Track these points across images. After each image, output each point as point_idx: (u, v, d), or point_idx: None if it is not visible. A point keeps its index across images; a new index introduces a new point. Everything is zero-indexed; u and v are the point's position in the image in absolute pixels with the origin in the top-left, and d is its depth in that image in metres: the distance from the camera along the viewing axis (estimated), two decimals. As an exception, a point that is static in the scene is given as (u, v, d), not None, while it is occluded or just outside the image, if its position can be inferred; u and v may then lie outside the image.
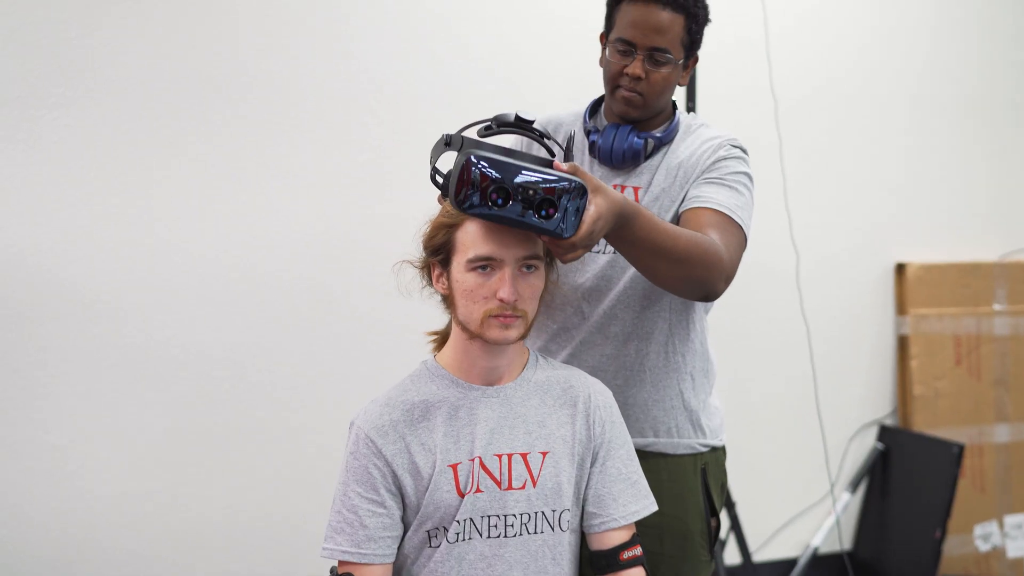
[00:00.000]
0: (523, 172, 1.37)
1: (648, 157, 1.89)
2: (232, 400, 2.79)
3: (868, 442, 3.61)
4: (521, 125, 1.48)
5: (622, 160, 1.87)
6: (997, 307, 3.69)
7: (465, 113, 1.79)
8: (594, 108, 1.99)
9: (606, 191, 1.42)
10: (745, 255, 1.78)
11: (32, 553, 2.61)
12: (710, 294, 1.69)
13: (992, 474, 3.64)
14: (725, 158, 1.85)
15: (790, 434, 3.49)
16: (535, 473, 1.57)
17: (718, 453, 2.01)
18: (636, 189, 1.88)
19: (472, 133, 1.48)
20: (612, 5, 1.87)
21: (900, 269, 3.62)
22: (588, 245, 1.43)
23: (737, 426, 3.14)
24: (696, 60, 1.91)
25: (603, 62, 1.89)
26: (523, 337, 1.56)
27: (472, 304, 1.50)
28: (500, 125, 1.48)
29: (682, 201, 1.84)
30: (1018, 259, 3.76)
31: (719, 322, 2.19)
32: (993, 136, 3.76)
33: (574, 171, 1.40)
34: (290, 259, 2.83)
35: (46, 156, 2.60)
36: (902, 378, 3.63)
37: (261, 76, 2.79)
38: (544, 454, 1.58)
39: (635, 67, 1.81)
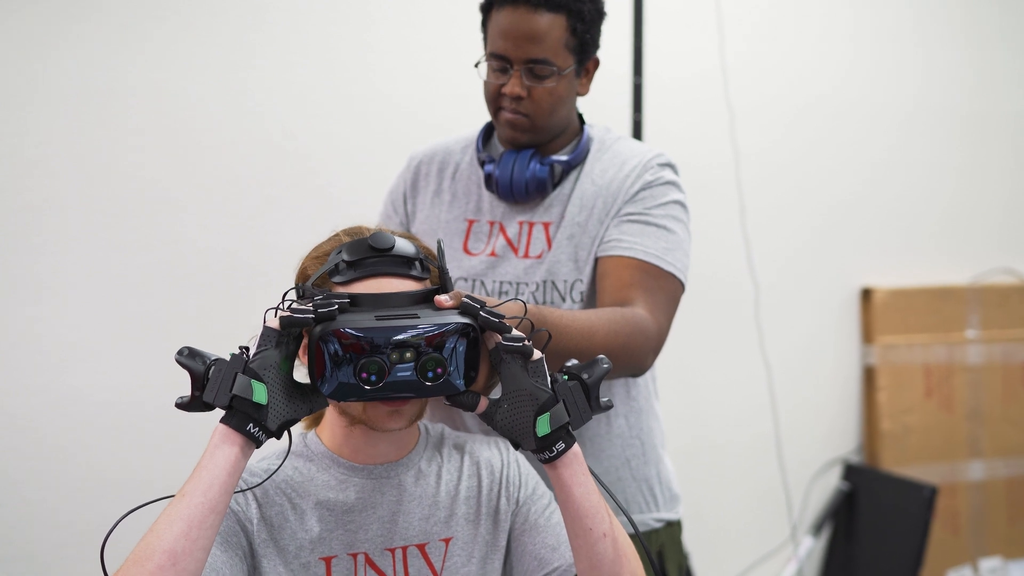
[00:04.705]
0: (395, 331, 1.10)
1: (557, 185, 1.60)
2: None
3: (832, 482, 3.35)
4: (377, 256, 1.20)
5: (525, 193, 1.58)
6: (970, 334, 3.45)
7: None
8: (488, 132, 1.70)
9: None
10: (699, 278, 1.53)
11: None
12: (637, 374, 1.49)
13: (966, 515, 3.39)
14: (652, 183, 1.58)
15: (747, 473, 3.23)
16: (438, 567, 1.30)
17: (674, 529, 1.74)
18: (547, 225, 1.60)
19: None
20: (485, 11, 1.59)
21: (866, 295, 3.36)
22: (492, 385, 1.19)
23: (689, 465, 2.90)
24: (596, 64, 1.63)
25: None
26: (418, 419, 1.29)
27: None
28: (351, 262, 1.19)
29: (603, 240, 1.57)
30: (991, 282, 3.52)
31: (672, 348, 1.90)
32: (962, 152, 3.53)
33: (457, 300, 1.14)
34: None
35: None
36: (869, 412, 3.37)
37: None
38: (446, 541, 1.30)
39: (512, 85, 1.53)
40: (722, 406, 3.21)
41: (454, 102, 2.54)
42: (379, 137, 2.66)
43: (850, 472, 3.33)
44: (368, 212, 1.86)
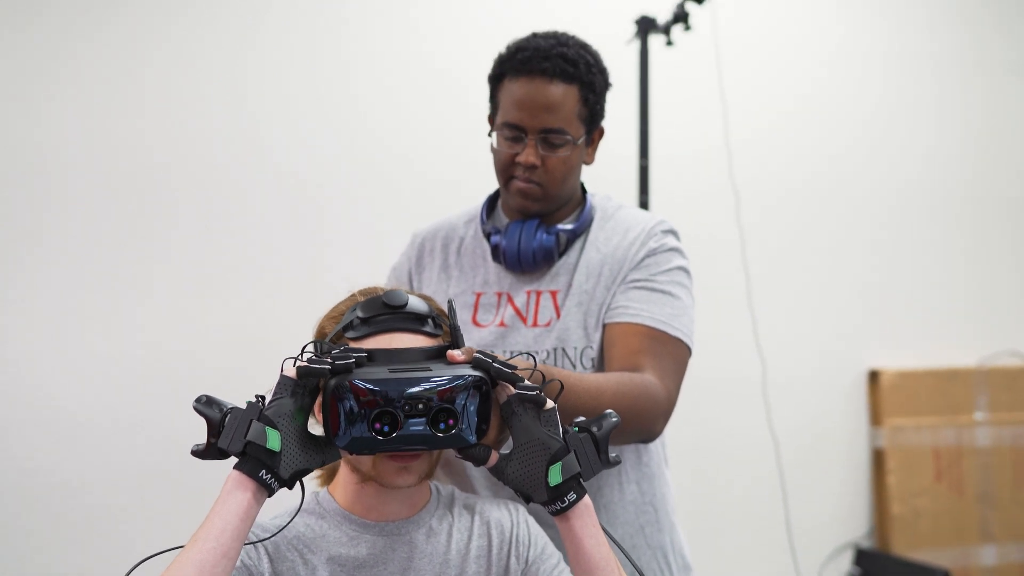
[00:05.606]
0: (408, 384, 1.11)
1: (562, 253, 1.63)
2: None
3: (843, 566, 3.30)
4: (391, 312, 1.23)
5: (532, 262, 1.61)
6: (978, 416, 3.43)
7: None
8: (491, 203, 1.73)
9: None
10: (706, 361, 1.54)
11: None
12: (647, 439, 1.49)
13: (979, 601, 3.34)
14: (656, 251, 1.60)
15: (757, 557, 3.19)
16: None
17: None
18: (554, 293, 1.62)
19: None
20: (494, 82, 1.62)
21: (874, 376, 3.36)
22: (503, 440, 1.19)
23: (699, 549, 2.85)
24: (601, 133, 1.66)
25: (493, 150, 1.64)
26: (428, 478, 1.30)
27: None
28: (366, 318, 1.23)
29: (609, 307, 1.59)
30: (999, 364, 3.51)
31: (678, 434, 1.91)
32: (969, 233, 3.56)
33: (469, 355, 1.16)
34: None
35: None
36: (879, 495, 3.34)
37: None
38: None
39: (528, 155, 1.55)
40: (730, 489, 3.18)
41: (463, 167, 2.60)
42: (389, 194, 2.73)
43: (861, 557, 3.27)
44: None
